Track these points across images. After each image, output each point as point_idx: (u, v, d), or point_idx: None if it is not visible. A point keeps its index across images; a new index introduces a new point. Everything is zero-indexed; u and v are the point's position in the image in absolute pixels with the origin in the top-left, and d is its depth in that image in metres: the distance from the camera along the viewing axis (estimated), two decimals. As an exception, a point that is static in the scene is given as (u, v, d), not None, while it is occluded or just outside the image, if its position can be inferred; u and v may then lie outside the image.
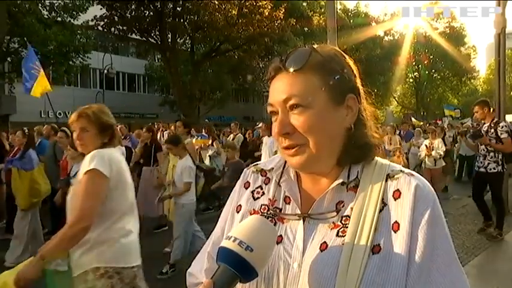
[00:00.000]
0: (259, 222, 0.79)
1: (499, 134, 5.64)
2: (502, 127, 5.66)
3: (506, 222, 5.97)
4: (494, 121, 5.84)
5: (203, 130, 9.93)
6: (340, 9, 32.11)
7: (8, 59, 20.42)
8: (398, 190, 0.83)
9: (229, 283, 0.73)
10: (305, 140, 0.83)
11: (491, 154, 5.72)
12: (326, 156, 0.86)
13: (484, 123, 5.96)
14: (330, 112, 0.84)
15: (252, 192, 0.97)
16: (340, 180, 0.85)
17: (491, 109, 6.30)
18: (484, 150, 5.77)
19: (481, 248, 5.38)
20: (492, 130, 5.71)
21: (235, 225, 0.93)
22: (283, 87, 0.84)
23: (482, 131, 5.84)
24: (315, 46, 0.88)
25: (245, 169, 1.04)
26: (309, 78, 0.83)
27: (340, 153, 0.87)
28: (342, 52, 0.91)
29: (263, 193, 0.96)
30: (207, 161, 8.30)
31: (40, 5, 19.79)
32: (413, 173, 0.86)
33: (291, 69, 0.84)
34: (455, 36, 40.02)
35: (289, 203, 0.91)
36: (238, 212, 0.96)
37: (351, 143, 0.87)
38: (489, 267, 4.86)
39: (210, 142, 8.86)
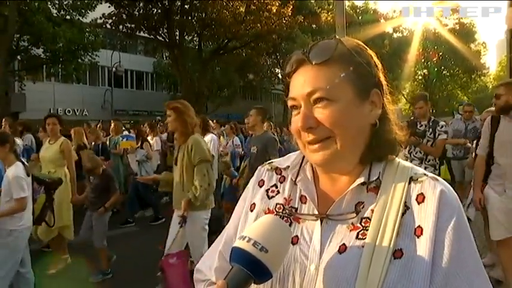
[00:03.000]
0: (274, 222, 0.77)
1: (437, 135, 4.86)
2: (442, 127, 4.93)
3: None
4: (432, 120, 5.06)
5: (130, 130, 8.51)
6: (348, 6, 31.92)
7: (18, 57, 20.64)
8: (422, 194, 0.79)
9: (243, 284, 0.71)
10: (329, 133, 0.80)
11: (430, 157, 4.91)
12: (350, 152, 0.83)
13: (419, 122, 5.09)
14: (355, 106, 0.81)
15: (267, 190, 0.94)
16: (361, 180, 0.82)
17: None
18: (420, 153, 4.93)
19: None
20: (431, 130, 4.93)
21: (248, 224, 0.91)
22: (307, 80, 0.81)
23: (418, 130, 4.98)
24: (340, 39, 0.85)
25: (259, 167, 1.01)
26: (334, 71, 0.80)
27: (364, 150, 0.84)
28: (366, 46, 0.88)
29: (278, 192, 0.93)
30: (134, 167, 7.15)
31: (49, 3, 19.95)
32: (438, 177, 0.83)
33: (315, 62, 0.81)
34: (465, 33, 39.55)
35: (305, 203, 0.88)
36: (252, 211, 0.93)
37: (375, 139, 0.84)
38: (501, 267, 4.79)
39: (138, 145, 7.48)
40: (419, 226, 0.77)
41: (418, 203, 0.79)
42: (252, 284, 0.73)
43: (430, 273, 0.74)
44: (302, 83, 0.82)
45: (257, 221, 0.80)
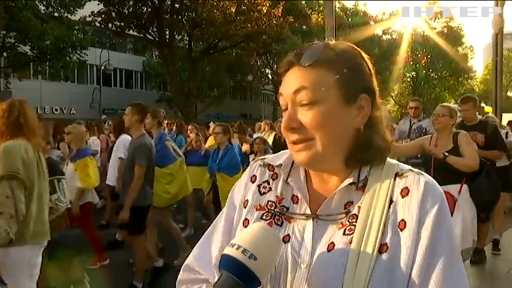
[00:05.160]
0: (264, 230, 0.78)
1: None
2: None
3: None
4: None
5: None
6: (338, 8, 32.10)
7: (4, 54, 20.32)
8: (406, 188, 0.82)
9: None
10: (312, 135, 0.82)
11: None
12: (332, 154, 0.84)
13: None
14: (340, 110, 0.83)
15: (259, 186, 0.95)
16: (350, 181, 0.84)
17: None
18: None
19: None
20: None
21: (242, 220, 0.92)
22: (295, 80, 0.84)
23: None
24: (332, 42, 0.88)
25: (252, 162, 1.03)
26: (321, 73, 0.83)
27: (348, 153, 0.85)
28: (360, 50, 0.89)
29: (270, 189, 0.94)
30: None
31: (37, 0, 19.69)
32: (423, 172, 0.85)
33: (304, 64, 0.83)
34: (453, 36, 40.09)
35: (296, 203, 0.89)
36: (245, 207, 0.94)
37: (360, 144, 0.85)
38: (484, 267, 4.87)
39: (53, 144, 6.36)
40: (402, 219, 0.79)
41: (402, 197, 0.81)
42: None
43: (411, 266, 0.76)
44: (290, 82, 0.85)
45: (247, 228, 0.83)
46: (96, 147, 7.69)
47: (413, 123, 5.61)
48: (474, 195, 3.55)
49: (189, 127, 7.87)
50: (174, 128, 8.52)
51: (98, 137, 8.09)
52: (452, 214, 3.26)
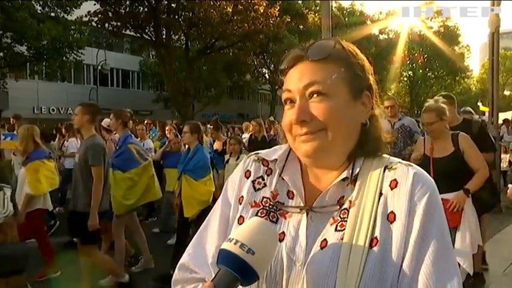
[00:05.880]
0: (261, 224, 0.78)
1: None
2: None
3: (498, 221, 6.00)
4: None
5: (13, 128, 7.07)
6: (335, 7, 32.11)
7: (1, 54, 20.23)
8: (395, 180, 0.82)
9: (230, 286, 0.73)
10: (323, 126, 0.82)
11: None
12: (340, 147, 0.85)
13: None
14: (349, 105, 0.84)
15: (253, 182, 0.94)
16: (344, 176, 0.84)
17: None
18: None
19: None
20: None
21: (238, 217, 0.92)
22: (305, 74, 0.83)
23: None
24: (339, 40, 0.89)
25: (245, 157, 1.01)
26: (331, 68, 0.83)
27: (353, 148, 0.86)
28: (359, 51, 0.91)
29: (265, 185, 0.93)
30: (18, 171, 5.64)
31: (33, -1, 19.62)
32: (412, 164, 0.85)
33: (314, 58, 0.83)
34: (450, 36, 40.25)
35: (292, 198, 0.89)
36: (240, 204, 0.93)
37: (365, 139, 0.87)
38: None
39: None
40: (392, 212, 0.79)
41: (391, 189, 0.81)
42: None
43: (402, 258, 0.76)
44: (299, 77, 0.84)
45: (244, 223, 0.82)
46: (75, 149, 7.54)
47: (394, 122, 5.23)
48: (476, 201, 3.39)
49: (167, 127, 7.46)
50: (157, 128, 8.33)
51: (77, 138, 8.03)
52: (459, 223, 3.23)
